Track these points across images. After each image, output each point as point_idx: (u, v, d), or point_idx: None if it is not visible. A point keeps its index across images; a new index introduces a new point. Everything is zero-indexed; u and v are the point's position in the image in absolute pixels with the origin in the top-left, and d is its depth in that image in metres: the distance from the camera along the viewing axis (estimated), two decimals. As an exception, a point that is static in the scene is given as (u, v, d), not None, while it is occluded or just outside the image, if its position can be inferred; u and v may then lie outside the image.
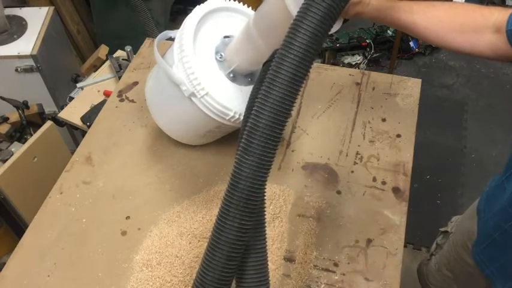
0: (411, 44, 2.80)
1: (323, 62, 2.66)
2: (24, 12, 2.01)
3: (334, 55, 2.72)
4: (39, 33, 1.90)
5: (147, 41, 1.42)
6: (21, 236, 0.99)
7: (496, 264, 0.95)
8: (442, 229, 1.29)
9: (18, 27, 1.93)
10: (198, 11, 0.92)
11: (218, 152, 1.11)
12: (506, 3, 2.98)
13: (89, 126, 1.51)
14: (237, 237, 0.60)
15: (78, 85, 1.84)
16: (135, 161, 1.11)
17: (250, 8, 1.00)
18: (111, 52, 1.95)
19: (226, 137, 1.08)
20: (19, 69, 1.83)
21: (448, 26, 0.83)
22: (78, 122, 1.67)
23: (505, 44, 0.77)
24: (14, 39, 1.87)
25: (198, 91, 0.86)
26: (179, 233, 0.96)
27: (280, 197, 1.01)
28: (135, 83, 1.29)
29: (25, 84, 1.87)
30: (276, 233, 0.96)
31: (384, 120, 1.16)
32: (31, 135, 1.64)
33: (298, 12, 0.59)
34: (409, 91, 1.22)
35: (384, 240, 0.94)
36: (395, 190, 1.02)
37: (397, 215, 0.98)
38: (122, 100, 1.25)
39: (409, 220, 0.98)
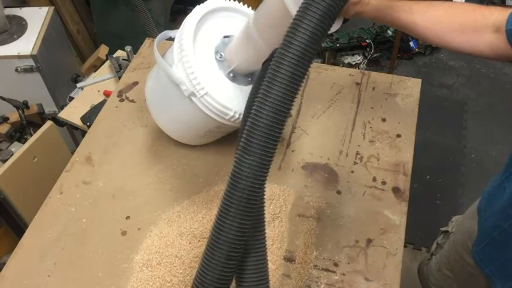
0: (411, 44, 2.80)
1: (323, 62, 2.66)
2: (24, 12, 2.01)
3: (334, 55, 2.72)
4: (39, 33, 1.90)
5: (147, 41, 1.42)
6: (21, 236, 0.99)
7: (496, 263, 0.95)
8: (443, 229, 1.29)
9: (18, 27, 1.93)
10: (198, 11, 0.92)
11: (218, 152, 1.11)
12: (506, 3, 2.98)
13: (89, 126, 1.51)
14: (237, 237, 0.60)
15: (78, 85, 1.84)
16: (135, 161, 1.11)
17: (250, 8, 1.00)
18: (111, 52, 1.95)
19: (226, 137, 1.08)
20: (19, 69, 1.83)
21: (448, 25, 0.83)
22: (78, 122, 1.67)
23: (504, 44, 0.77)
24: (14, 39, 1.87)
25: (197, 91, 0.86)
26: (179, 233, 0.96)
27: (280, 197, 1.01)
28: (135, 83, 1.29)
29: (25, 84, 1.87)
30: (276, 233, 0.96)
31: (384, 120, 1.16)
32: (31, 135, 1.64)
33: (298, 11, 0.59)
34: (409, 91, 1.22)
35: (384, 240, 0.94)
36: (395, 190, 1.02)
37: (397, 215, 0.98)
38: (122, 100, 1.25)
39: (409, 220, 0.98)
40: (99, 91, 1.78)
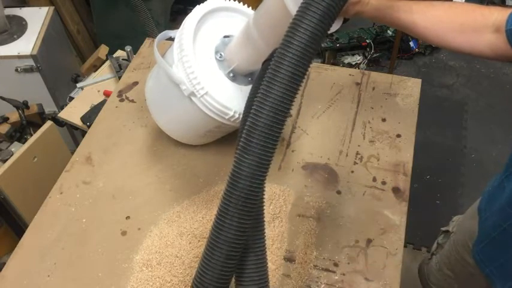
0: (411, 44, 2.80)
1: (323, 62, 2.66)
2: (24, 12, 2.01)
3: (334, 55, 2.72)
4: (39, 33, 1.90)
5: (147, 41, 1.42)
6: (21, 236, 0.99)
7: (496, 263, 0.95)
8: (443, 228, 1.29)
9: (18, 27, 1.93)
10: (197, 11, 0.92)
11: (218, 152, 1.11)
12: (506, 3, 2.98)
13: (89, 126, 1.51)
14: (236, 236, 0.60)
15: (78, 85, 1.84)
16: (135, 161, 1.11)
17: (250, 7, 1.00)
18: (111, 52, 1.95)
19: (226, 137, 1.08)
20: (19, 69, 1.83)
21: (447, 25, 0.83)
22: (78, 122, 1.67)
23: (504, 44, 0.77)
24: (14, 39, 1.87)
25: (197, 90, 0.86)
26: (179, 233, 0.96)
27: (280, 197, 1.01)
28: (135, 83, 1.29)
29: (25, 84, 1.87)
30: (276, 233, 0.96)
31: (384, 120, 1.16)
32: (31, 135, 1.64)
33: (298, 11, 0.59)
34: (409, 91, 1.22)
35: (384, 240, 0.94)
36: (395, 190, 1.02)
37: (397, 215, 0.98)
38: (122, 100, 1.25)
39: (409, 220, 0.98)
40: (99, 91, 1.78)
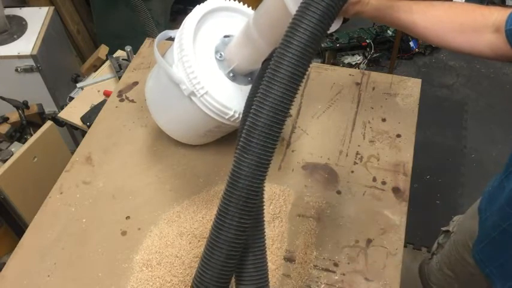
0: (411, 44, 2.80)
1: (323, 62, 2.66)
2: (24, 12, 2.01)
3: (334, 55, 2.72)
4: (39, 33, 1.90)
5: (147, 41, 1.42)
6: (21, 236, 0.99)
7: (495, 263, 0.95)
8: (444, 228, 1.29)
9: (18, 27, 1.93)
10: (198, 11, 0.92)
11: (218, 152, 1.11)
12: (506, 3, 2.98)
13: (89, 126, 1.51)
14: (236, 236, 0.60)
15: (78, 85, 1.84)
16: (135, 161, 1.11)
17: (250, 7, 1.00)
18: (111, 52, 1.95)
19: (226, 137, 1.08)
20: (19, 69, 1.83)
21: (447, 25, 0.83)
22: (78, 122, 1.67)
23: (504, 44, 0.77)
24: (14, 39, 1.87)
25: (197, 90, 0.86)
26: (179, 233, 0.96)
27: (280, 197, 1.01)
28: (135, 83, 1.29)
29: (25, 84, 1.87)
30: (276, 233, 0.96)
31: (384, 120, 1.16)
32: (31, 135, 1.64)
33: (297, 10, 0.59)
34: (409, 91, 1.22)
35: (384, 240, 0.94)
36: (395, 190, 1.02)
37: (397, 215, 0.98)
38: (122, 100, 1.25)
39: (409, 220, 0.98)
40: (99, 91, 1.78)
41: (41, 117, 1.80)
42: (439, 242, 1.31)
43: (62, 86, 2.02)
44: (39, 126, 1.59)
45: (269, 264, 0.86)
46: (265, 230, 0.70)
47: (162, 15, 2.47)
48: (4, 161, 1.48)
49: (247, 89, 0.93)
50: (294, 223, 0.98)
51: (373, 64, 2.79)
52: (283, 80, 0.57)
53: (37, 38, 1.88)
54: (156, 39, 0.96)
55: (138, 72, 1.32)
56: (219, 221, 0.60)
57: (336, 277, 0.89)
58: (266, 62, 0.81)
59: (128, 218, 1.00)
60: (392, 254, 0.92)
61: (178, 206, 1.02)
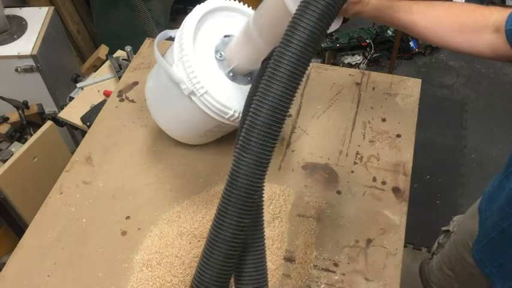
0: (411, 44, 2.80)
1: (323, 62, 2.66)
2: (24, 12, 2.01)
3: (334, 55, 2.72)
4: (39, 33, 1.90)
5: (147, 41, 1.42)
6: (21, 236, 0.99)
7: (495, 263, 0.95)
8: (444, 228, 1.29)
9: (18, 27, 1.93)
10: (198, 11, 0.92)
11: (218, 152, 1.11)
12: (506, 3, 2.98)
13: (89, 126, 1.51)
14: (235, 235, 0.60)
15: (78, 85, 1.84)
16: (135, 161, 1.11)
17: (250, 7, 1.00)
18: (111, 52, 1.95)
19: (226, 137, 1.08)
20: (19, 69, 1.83)
21: (447, 25, 0.83)
22: (78, 122, 1.67)
23: (504, 44, 0.77)
24: (14, 39, 1.87)
25: (197, 89, 0.86)
26: (179, 233, 0.96)
27: (280, 197, 1.01)
28: (135, 83, 1.29)
29: (25, 84, 1.87)
30: (276, 233, 0.96)
31: (384, 120, 1.16)
32: (31, 135, 1.64)
33: (297, 10, 0.59)
34: (409, 91, 1.22)
35: (384, 240, 0.94)
36: (395, 190, 1.02)
37: (397, 215, 0.97)
38: (122, 100, 1.25)
39: (409, 220, 0.98)
40: (99, 91, 1.78)
41: (41, 117, 1.80)
42: (439, 242, 1.31)
43: (62, 86, 2.02)
44: (39, 126, 1.59)
45: (269, 264, 0.86)
46: (265, 230, 0.70)
47: (162, 15, 2.47)
48: (4, 161, 1.48)
49: (247, 88, 0.93)
50: (294, 223, 0.98)
51: (373, 64, 2.79)
52: (282, 79, 0.57)
53: (37, 38, 1.88)
54: (156, 39, 0.96)
55: (138, 72, 1.32)
56: (218, 220, 0.60)
57: (336, 277, 0.89)
58: (266, 61, 0.81)
59: (127, 218, 1.00)
60: (393, 254, 0.92)
61: (178, 206, 1.02)
